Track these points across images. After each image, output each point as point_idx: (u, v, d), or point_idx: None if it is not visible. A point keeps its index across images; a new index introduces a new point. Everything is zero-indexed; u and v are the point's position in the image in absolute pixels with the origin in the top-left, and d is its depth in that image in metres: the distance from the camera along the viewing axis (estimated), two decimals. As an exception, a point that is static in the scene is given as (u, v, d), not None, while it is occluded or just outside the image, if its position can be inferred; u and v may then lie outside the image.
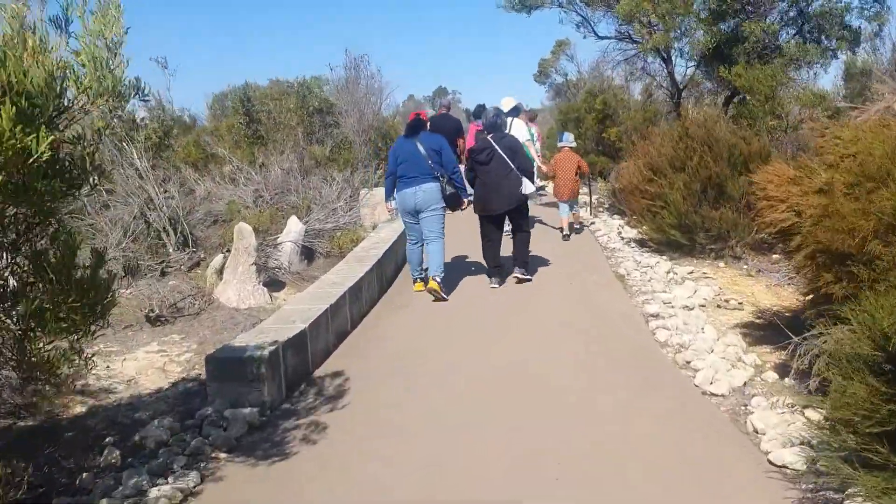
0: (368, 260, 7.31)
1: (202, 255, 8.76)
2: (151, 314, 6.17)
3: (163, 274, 8.40)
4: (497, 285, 7.40)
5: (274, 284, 7.67)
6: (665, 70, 10.50)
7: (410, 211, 7.07)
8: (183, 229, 8.92)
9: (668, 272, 7.62)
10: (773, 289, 7.20)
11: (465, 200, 7.32)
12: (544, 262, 8.41)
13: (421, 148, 6.95)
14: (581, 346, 5.38)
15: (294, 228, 8.38)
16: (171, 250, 8.77)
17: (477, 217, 7.56)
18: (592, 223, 11.10)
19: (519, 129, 10.87)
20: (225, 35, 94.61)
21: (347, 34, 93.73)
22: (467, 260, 8.65)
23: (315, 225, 9.03)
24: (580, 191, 10.93)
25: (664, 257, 8.44)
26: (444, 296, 6.99)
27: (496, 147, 7.22)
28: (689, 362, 4.87)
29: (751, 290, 7.13)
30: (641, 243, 9.24)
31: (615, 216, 11.75)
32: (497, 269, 7.47)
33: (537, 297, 6.96)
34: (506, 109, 9.70)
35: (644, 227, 8.84)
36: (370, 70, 14.23)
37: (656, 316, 6.03)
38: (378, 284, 7.24)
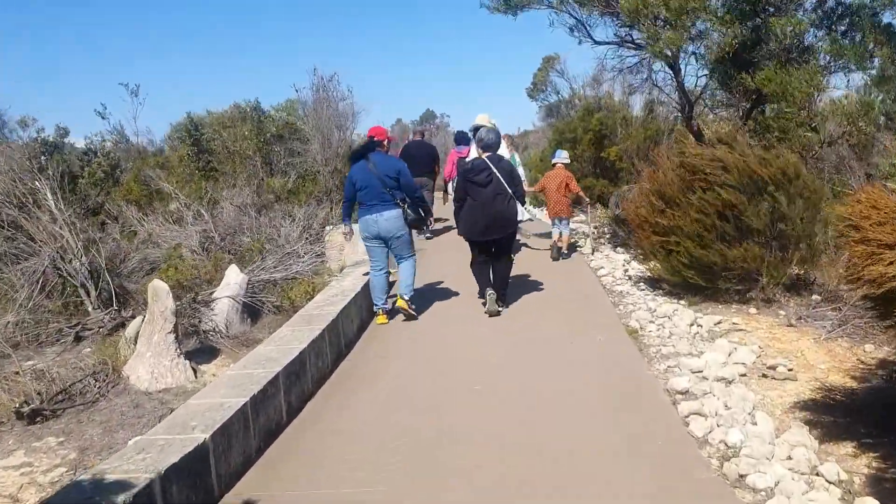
0: (320, 320, 5.98)
1: (129, 314, 7.41)
2: (25, 407, 4.80)
3: (77, 339, 7.07)
4: (497, 313, 7.06)
5: (205, 353, 6.33)
6: (674, 80, 9.24)
7: (374, 236, 6.94)
8: (106, 283, 7.58)
9: (692, 324, 6.32)
10: (822, 343, 5.90)
11: (430, 220, 7.33)
12: (539, 312, 7.10)
13: (376, 173, 6.77)
14: (592, 449, 4.03)
15: (234, 280, 7.04)
16: (90, 309, 7.43)
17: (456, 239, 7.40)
18: (592, 260, 9.78)
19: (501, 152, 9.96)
20: (208, 61, 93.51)
21: (331, 60, 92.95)
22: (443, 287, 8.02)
23: (263, 275, 7.70)
24: (574, 215, 10.50)
25: (683, 302, 7.15)
26: (414, 314, 7.03)
27: (494, 169, 6.96)
28: (743, 476, 3.53)
29: (797, 346, 5.81)
30: (653, 284, 7.94)
31: (618, 249, 10.45)
32: (492, 291, 7.14)
33: (532, 368, 5.61)
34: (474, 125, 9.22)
35: (656, 266, 7.54)
36: (340, 91, 13.07)
37: (686, 394, 4.70)
38: (333, 351, 5.90)
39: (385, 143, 7.20)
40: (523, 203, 7.40)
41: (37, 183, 7.83)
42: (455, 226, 7.55)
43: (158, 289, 5.66)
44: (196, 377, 5.72)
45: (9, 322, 6.72)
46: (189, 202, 10.33)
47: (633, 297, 7.53)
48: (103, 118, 11.48)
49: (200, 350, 6.37)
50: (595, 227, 13.16)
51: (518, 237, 10.71)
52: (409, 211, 6.89)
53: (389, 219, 6.82)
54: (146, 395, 5.28)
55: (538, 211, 17.39)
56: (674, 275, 7.20)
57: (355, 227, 7.34)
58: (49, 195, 7.63)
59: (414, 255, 7.21)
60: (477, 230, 7.06)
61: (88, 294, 7.39)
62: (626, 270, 8.84)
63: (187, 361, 5.75)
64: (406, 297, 7.03)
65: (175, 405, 4.90)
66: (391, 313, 7.21)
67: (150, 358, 5.58)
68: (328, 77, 13.17)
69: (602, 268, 9.13)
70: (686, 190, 6.87)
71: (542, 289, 8.10)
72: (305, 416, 4.85)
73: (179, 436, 3.66)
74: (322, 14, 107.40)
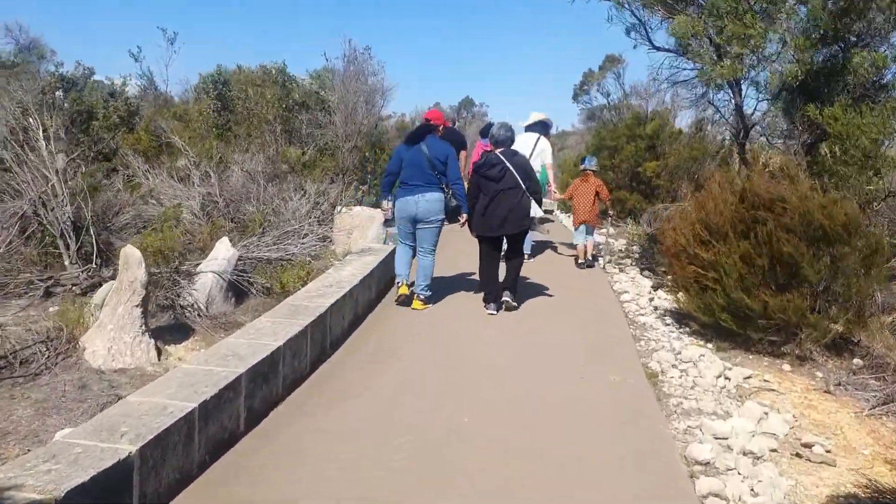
0: (306, 314, 5.40)
1: (110, 274, 6.88)
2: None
3: (47, 294, 6.55)
4: (494, 311, 7.10)
5: (178, 331, 5.77)
6: (732, 101, 8.53)
7: (409, 218, 7.00)
8: (90, 237, 7.05)
9: (720, 376, 5.66)
10: (864, 420, 5.22)
11: (464, 215, 7.06)
12: (550, 334, 6.48)
13: (426, 154, 6.84)
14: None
15: (222, 255, 6.47)
16: (66, 263, 6.90)
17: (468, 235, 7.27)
18: (615, 281, 9.11)
19: (544, 149, 9.54)
20: (248, 18, 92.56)
21: (368, 34, 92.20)
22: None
23: (256, 252, 7.11)
24: (601, 224, 10.36)
25: (711, 346, 6.50)
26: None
27: (508, 164, 6.91)
28: None
29: (835, 420, 5.14)
30: (680, 319, 7.28)
31: (645, 273, 9.77)
32: (495, 292, 7.17)
33: (532, 408, 4.99)
34: (528, 123, 9.34)
35: (686, 300, 6.86)
36: (371, 65, 12.45)
37: (707, 466, 4.06)
38: (314, 351, 5.32)
39: (440, 128, 7.33)
40: (539, 200, 7.28)
41: (29, 119, 7.29)
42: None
43: (130, 256, 5.11)
44: (159, 359, 5.16)
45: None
46: (198, 160, 9.77)
47: (656, 333, 6.87)
48: (136, 60, 11.00)
49: (173, 327, 5.83)
50: (620, 242, 12.48)
51: (537, 237, 10.26)
52: (451, 199, 6.93)
53: (431, 200, 6.85)
54: (97, 375, 4.73)
55: (565, 217, 16.74)
56: (705, 314, 6.53)
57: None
58: (41, 134, 7.09)
59: (435, 251, 7.18)
60: (489, 225, 6.98)
61: (68, 247, 6.86)
62: (652, 299, 8.17)
63: (152, 340, 5.19)
64: (422, 298, 7.16)
65: (125, 392, 4.37)
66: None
67: (112, 331, 5.03)
68: (361, 49, 12.58)
69: (626, 292, 8.47)
70: (738, 223, 6.19)
71: (557, 306, 7.49)
72: (268, 427, 4.28)
73: (103, 443, 3.10)
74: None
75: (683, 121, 16.28)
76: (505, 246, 7.31)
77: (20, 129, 7.51)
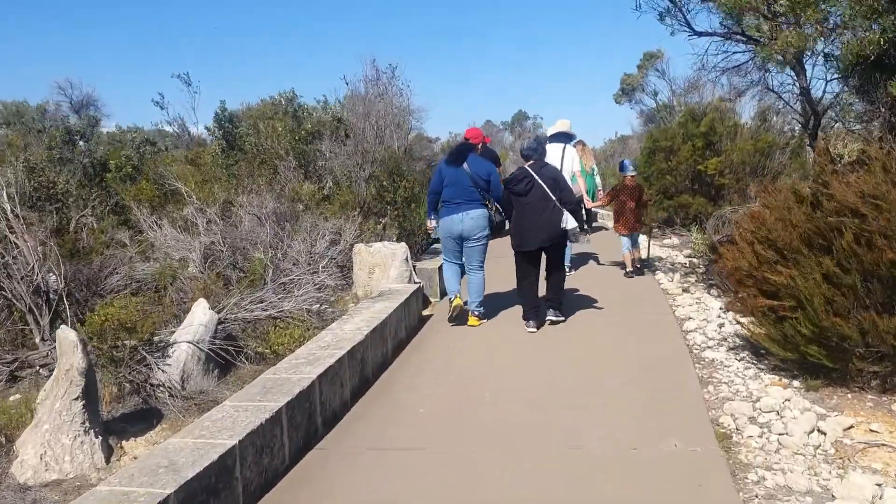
0: (283, 391, 4.46)
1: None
2: None
3: (13, 378, 5.82)
4: (535, 329, 7.03)
5: (145, 418, 4.92)
6: (795, 84, 7.21)
7: (455, 237, 7.15)
8: (64, 309, 6.31)
9: (812, 431, 4.47)
10: None
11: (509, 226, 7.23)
12: (596, 386, 5.38)
13: (469, 173, 7.01)
14: None
15: (199, 320, 5.58)
16: (37, 340, 6.16)
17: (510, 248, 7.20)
18: (677, 305, 7.90)
19: (571, 159, 9.18)
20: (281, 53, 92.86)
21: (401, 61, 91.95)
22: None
23: (249, 311, 6.19)
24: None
25: (798, 385, 5.31)
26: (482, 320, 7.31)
27: (535, 177, 6.91)
28: None
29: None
30: (756, 350, 6.08)
31: (713, 292, 8.53)
32: (534, 309, 7.13)
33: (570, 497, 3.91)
34: (553, 132, 9.15)
35: (760, 332, 5.66)
36: (394, 85, 11.59)
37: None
38: (295, 438, 4.37)
39: (479, 146, 7.51)
40: (575, 211, 7.08)
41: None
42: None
43: (63, 340, 4.27)
44: (109, 461, 4.29)
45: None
46: (203, 206, 9.03)
47: (728, 372, 5.69)
48: (162, 108, 10.41)
49: (140, 414, 4.98)
50: (687, 257, 11.22)
51: (577, 249, 9.74)
52: (495, 214, 7.12)
53: (475, 217, 7.00)
54: (21, 493, 3.87)
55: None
56: (786, 348, 5.33)
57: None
58: (4, 195, 6.39)
59: (483, 267, 7.28)
60: (522, 240, 6.99)
61: (38, 321, 6.11)
62: (722, 325, 6.96)
63: (99, 439, 4.33)
64: (477, 314, 7.30)
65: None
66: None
67: (47, 433, 4.20)
68: (383, 68, 11.75)
69: (690, 318, 7.27)
70: (814, 235, 5.00)
71: (603, 344, 6.39)
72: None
73: None
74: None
75: (746, 112, 14.84)
76: (544, 261, 7.21)
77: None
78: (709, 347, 6.35)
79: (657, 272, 9.84)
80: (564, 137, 9.27)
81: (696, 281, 9.30)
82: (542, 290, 7.28)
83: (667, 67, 16.60)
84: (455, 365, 6.16)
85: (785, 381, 5.49)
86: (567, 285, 7.66)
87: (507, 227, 7.30)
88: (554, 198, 6.86)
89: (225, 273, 8.08)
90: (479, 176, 7.04)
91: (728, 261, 5.71)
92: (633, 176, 9.64)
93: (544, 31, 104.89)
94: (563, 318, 7.19)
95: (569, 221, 6.92)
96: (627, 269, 9.53)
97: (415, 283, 8.28)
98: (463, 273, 7.40)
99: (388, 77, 11.46)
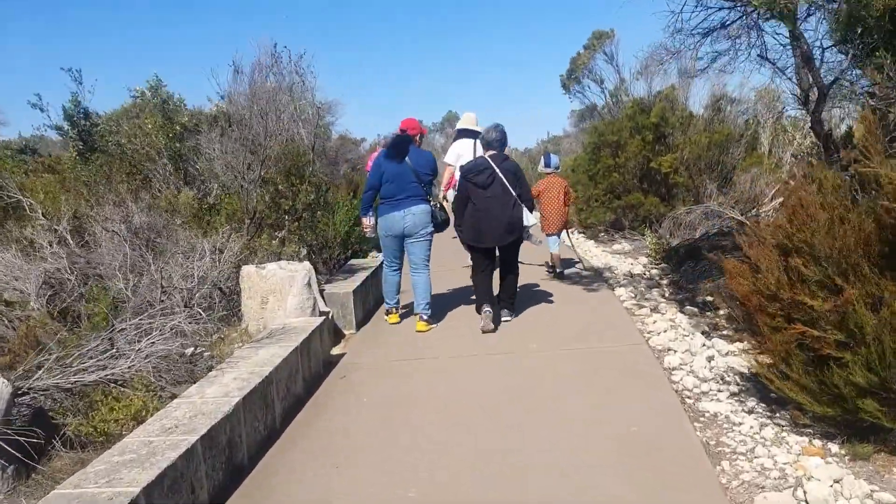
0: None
1: None
2: None
3: None
4: (492, 329, 6.69)
5: None
6: (792, 54, 5.82)
7: (397, 235, 6.82)
8: None
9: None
10: None
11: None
12: (563, 474, 3.81)
13: (411, 167, 6.68)
14: None
15: (-21, 398, 3.78)
16: None
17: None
18: (649, 332, 6.41)
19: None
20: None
21: (342, 60, 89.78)
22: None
23: (69, 377, 4.36)
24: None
25: (838, 450, 3.87)
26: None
27: (496, 169, 6.64)
28: None
29: None
30: (766, 394, 4.63)
31: (687, 308, 7.10)
32: (490, 302, 6.85)
33: None
34: (461, 127, 8.91)
35: (785, 381, 4.15)
36: (300, 74, 9.86)
37: None
38: None
39: (417, 138, 7.06)
40: (531, 208, 6.93)
41: None
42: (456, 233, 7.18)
43: None
44: None
45: None
46: (53, 223, 7.15)
47: (740, 433, 4.19)
48: (42, 111, 8.43)
49: None
50: (646, 267, 9.82)
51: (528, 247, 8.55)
52: (439, 212, 6.88)
53: (418, 214, 6.71)
54: None
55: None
56: (826, 402, 3.86)
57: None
58: None
59: (428, 266, 6.95)
60: (480, 236, 6.74)
61: None
62: (711, 358, 5.50)
63: None
64: (425, 318, 6.96)
65: None
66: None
67: None
68: (284, 52, 10.00)
69: (670, 350, 5.79)
70: (876, 243, 3.54)
71: (570, 406, 4.82)
72: None
73: None
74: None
75: (697, 103, 13.60)
76: (499, 259, 7.02)
77: None
78: (704, 394, 4.86)
79: (615, 287, 8.38)
80: (473, 133, 8.68)
81: (664, 297, 7.86)
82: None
83: (616, 51, 15.14)
84: (374, 434, 4.51)
85: (817, 442, 4.04)
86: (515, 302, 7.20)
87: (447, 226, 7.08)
88: (514, 193, 6.60)
89: (75, 308, 6.25)
90: (423, 170, 6.71)
91: (740, 282, 4.20)
92: (555, 172, 9.31)
93: (480, 21, 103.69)
94: (511, 317, 7.02)
95: (529, 218, 6.67)
96: (557, 270, 9.19)
97: (320, 313, 6.61)
98: (401, 279, 7.14)
99: (292, 63, 9.76)
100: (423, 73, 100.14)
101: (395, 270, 7.05)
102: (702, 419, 4.45)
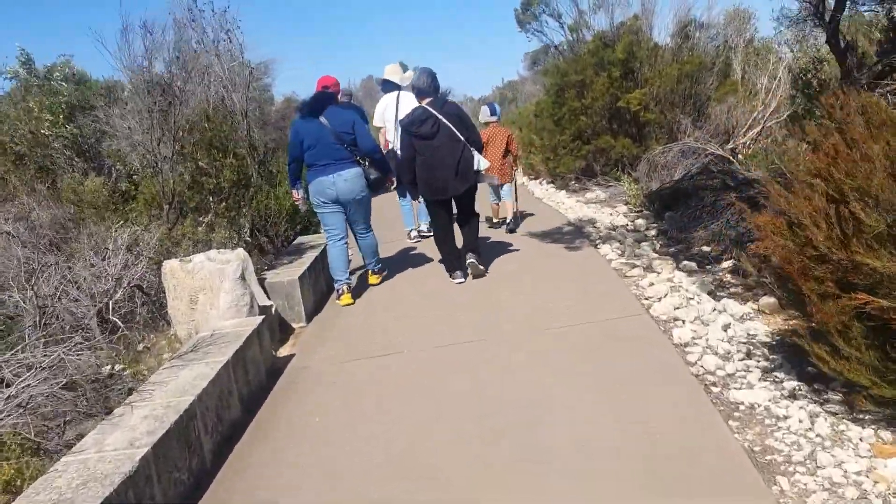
0: None
1: None
2: None
3: None
4: (462, 279, 6.59)
5: None
6: None
7: (330, 199, 6.29)
8: None
9: None
10: None
11: (392, 178, 6.89)
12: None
13: (329, 128, 6.15)
14: None
15: None
16: None
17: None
18: (648, 298, 5.53)
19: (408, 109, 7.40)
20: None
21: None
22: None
23: None
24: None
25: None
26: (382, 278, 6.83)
27: (439, 116, 6.26)
28: None
29: None
30: (802, 369, 3.79)
31: (684, 263, 6.24)
32: (458, 259, 6.68)
33: None
34: (384, 79, 8.34)
35: (839, 359, 3.29)
36: (223, 29, 8.68)
37: None
38: None
39: (338, 95, 6.88)
40: (480, 149, 6.59)
41: None
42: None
43: None
44: None
45: None
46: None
47: (789, 432, 3.33)
48: None
49: None
50: (628, 217, 8.96)
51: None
52: (370, 170, 6.35)
53: (349, 179, 6.25)
54: None
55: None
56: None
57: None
58: None
59: (370, 227, 6.74)
60: (434, 188, 6.45)
61: None
62: (728, 326, 4.65)
63: None
64: (377, 271, 6.88)
65: None
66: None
67: None
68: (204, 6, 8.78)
69: (677, 320, 4.92)
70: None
71: (565, 402, 3.92)
72: None
73: None
74: None
75: (662, 32, 12.60)
76: (455, 208, 6.72)
77: None
78: (731, 378, 3.99)
79: (598, 242, 7.49)
80: (394, 86, 8.25)
81: (656, 252, 6.99)
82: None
83: None
84: (328, 465, 3.59)
85: (885, 434, 3.22)
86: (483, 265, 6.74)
87: (389, 180, 6.75)
88: (462, 138, 6.29)
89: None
90: (342, 131, 6.16)
91: (775, 241, 3.30)
92: (496, 122, 8.90)
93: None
94: (483, 270, 6.66)
95: (480, 161, 6.37)
96: (494, 220, 9.06)
97: (261, 309, 5.62)
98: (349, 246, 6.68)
99: (214, 17, 8.54)
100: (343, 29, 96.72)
101: (338, 240, 6.46)
102: (736, 414, 3.58)
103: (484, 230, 8.19)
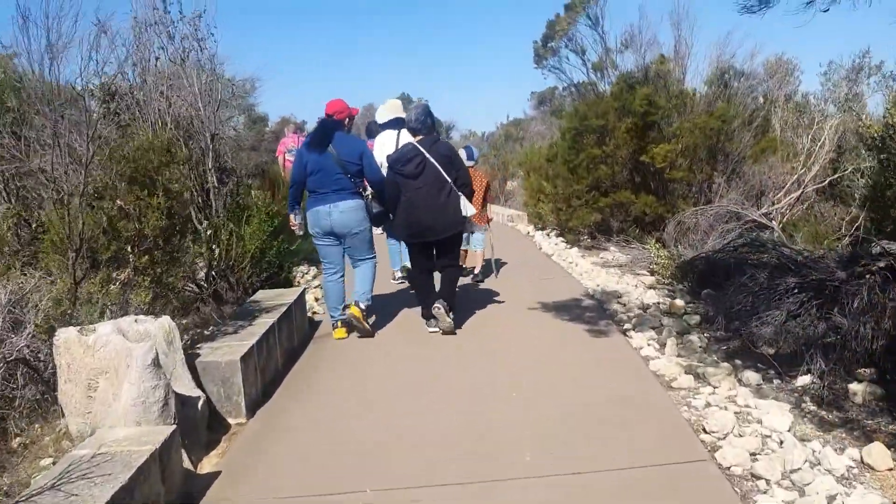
0: None
1: None
2: None
3: None
4: (437, 329, 6.25)
5: None
6: None
7: (326, 232, 6.12)
8: None
9: None
10: None
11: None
12: None
13: (334, 156, 5.98)
14: None
15: None
16: None
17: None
18: (709, 429, 4.07)
19: None
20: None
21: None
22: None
23: None
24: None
25: None
26: (370, 329, 6.28)
27: (427, 155, 6.04)
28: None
29: None
30: None
31: (749, 375, 4.81)
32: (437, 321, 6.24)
33: None
34: (382, 119, 7.72)
35: None
36: (197, 35, 7.37)
37: None
38: None
39: (346, 122, 6.35)
40: (470, 195, 6.21)
41: None
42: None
43: None
44: None
45: None
46: None
47: None
48: None
49: None
50: (655, 286, 7.56)
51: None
52: (373, 203, 6.19)
53: (346, 210, 5.99)
54: None
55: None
56: None
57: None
58: None
59: (374, 256, 6.40)
60: (414, 231, 6.19)
61: None
62: (833, 501, 3.21)
63: None
64: (362, 306, 6.22)
65: None
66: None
67: None
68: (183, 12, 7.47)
69: (760, 479, 3.48)
70: None
71: None
72: None
73: None
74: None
75: (696, 78, 11.26)
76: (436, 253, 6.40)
77: None
78: None
79: (627, 328, 6.08)
80: (395, 123, 7.66)
81: (703, 347, 5.56)
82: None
83: (602, 14, 12.33)
84: None
85: None
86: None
87: (390, 217, 6.43)
88: (450, 180, 6.05)
89: None
90: (349, 160, 6.00)
91: None
92: (473, 166, 8.27)
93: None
94: (451, 325, 6.16)
95: (468, 208, 6.10)
96: (465, 268, 8.38)
97: (181, 403, 4.15)
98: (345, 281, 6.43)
99: (184, 23, 7.20)
100: (380, 49, 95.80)
101: (333, 275, 6.31)
102: None
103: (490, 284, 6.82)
